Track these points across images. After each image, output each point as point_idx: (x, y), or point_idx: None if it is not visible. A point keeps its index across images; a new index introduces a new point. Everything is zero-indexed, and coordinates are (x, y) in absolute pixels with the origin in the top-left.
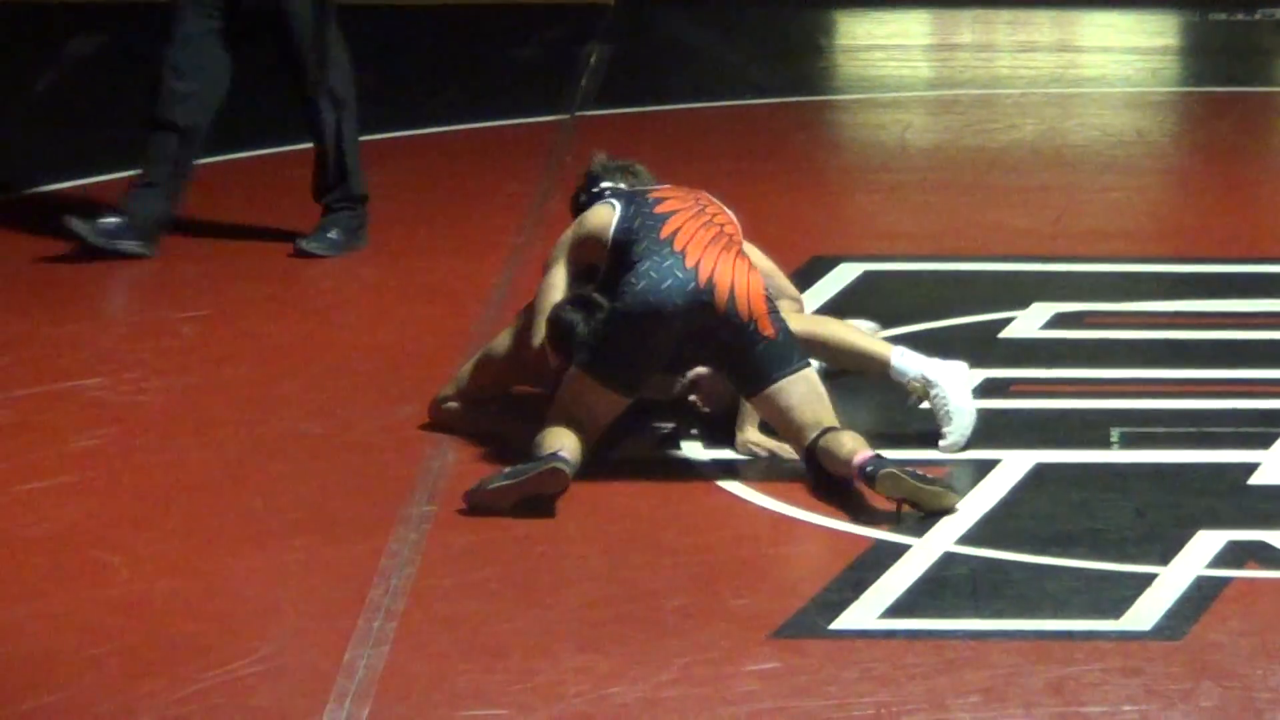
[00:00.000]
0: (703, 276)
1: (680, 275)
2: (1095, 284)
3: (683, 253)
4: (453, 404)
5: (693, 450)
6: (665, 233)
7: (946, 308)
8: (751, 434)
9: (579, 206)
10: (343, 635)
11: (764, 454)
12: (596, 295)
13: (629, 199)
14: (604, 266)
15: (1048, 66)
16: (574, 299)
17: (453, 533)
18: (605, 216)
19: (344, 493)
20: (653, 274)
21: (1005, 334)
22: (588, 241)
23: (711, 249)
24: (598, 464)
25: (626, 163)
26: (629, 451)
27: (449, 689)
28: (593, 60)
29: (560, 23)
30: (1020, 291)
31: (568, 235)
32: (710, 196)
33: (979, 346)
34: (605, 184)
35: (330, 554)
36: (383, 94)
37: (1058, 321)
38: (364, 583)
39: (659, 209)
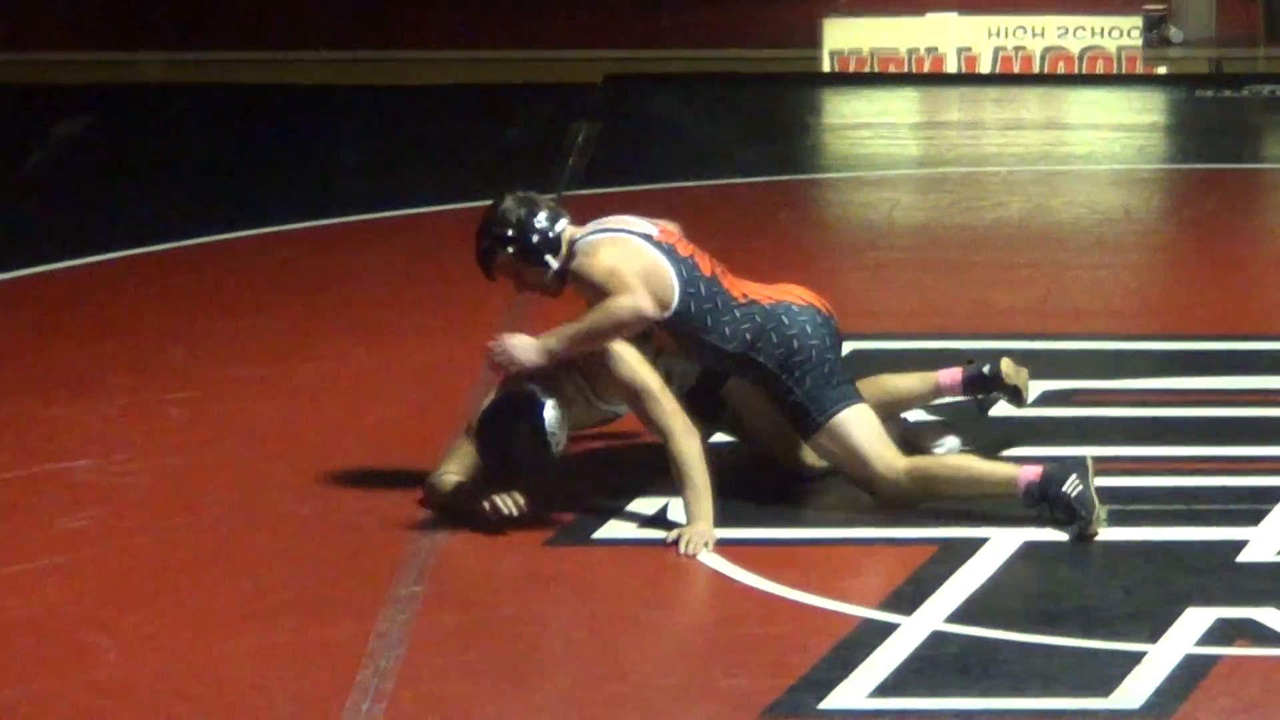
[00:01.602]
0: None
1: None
2: (1083, 362)
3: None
4: (451, 477)
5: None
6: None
7: None
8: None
9: (530, 247)
10: (331, 717)
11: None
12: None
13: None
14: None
15: (1035, 144)
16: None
17: (441, 613)
18: (659, 269)
19: (333, 573)
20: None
21: (993, 412)
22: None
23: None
24: (584, 543)
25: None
26: (614, 531)
27: None
28: (580, 139)
29: (547, 102)
30: None
31: (607, 248)
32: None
33: (967, 425)
34: (559, 222)
35: (319, 635)
36: (372, 173)
37: (1045, 399)
38: (352, 664)
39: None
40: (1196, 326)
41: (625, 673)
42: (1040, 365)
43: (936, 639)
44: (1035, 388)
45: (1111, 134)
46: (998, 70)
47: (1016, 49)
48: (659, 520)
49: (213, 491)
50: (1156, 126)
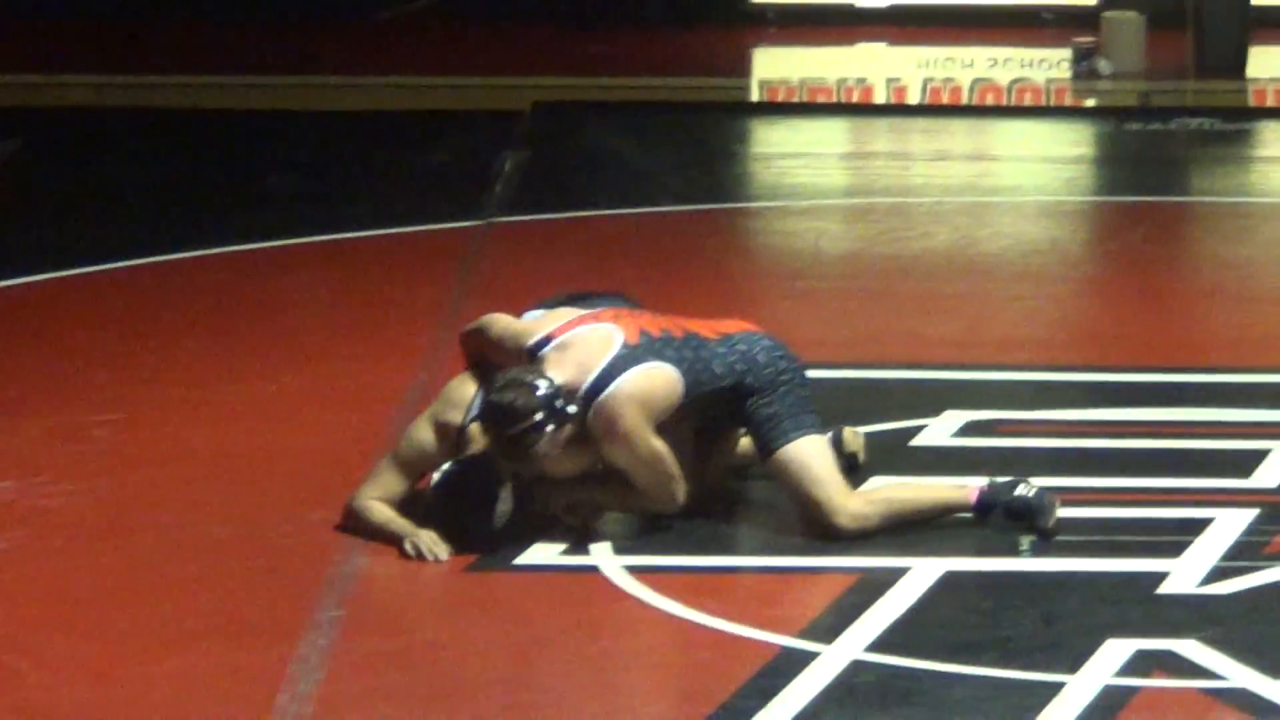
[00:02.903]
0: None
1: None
2: (1007, 392)
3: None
4: (374, 503)
5: (600, 556)
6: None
7: (859, 416)
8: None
9: (558, 415)
10: None
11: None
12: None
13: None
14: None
15: (963, 175)
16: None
17: (362, 638)
18: (668, 381)
19: (254, 597)
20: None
21: (916, 441)
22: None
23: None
24: (506, 569)
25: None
26: (537, 557)
27: None
28: (507, 167)
29: (475, 129)
30: (932, 399)
31: (638, 417)
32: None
33: (890, 454)
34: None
35: (239, 659)
36: (299, 200)
37: (969, 429)
38: (272, 688)
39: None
40: (1122, 358)
41: (547, 699)
42: (964, 395)
43: (856, 668)
44: (959, 417)
45: (1040, 166)
46: (926, 101)
47: (945, 80)
48: (581, 547)
49: (136, 515)
50: (1085, 158)
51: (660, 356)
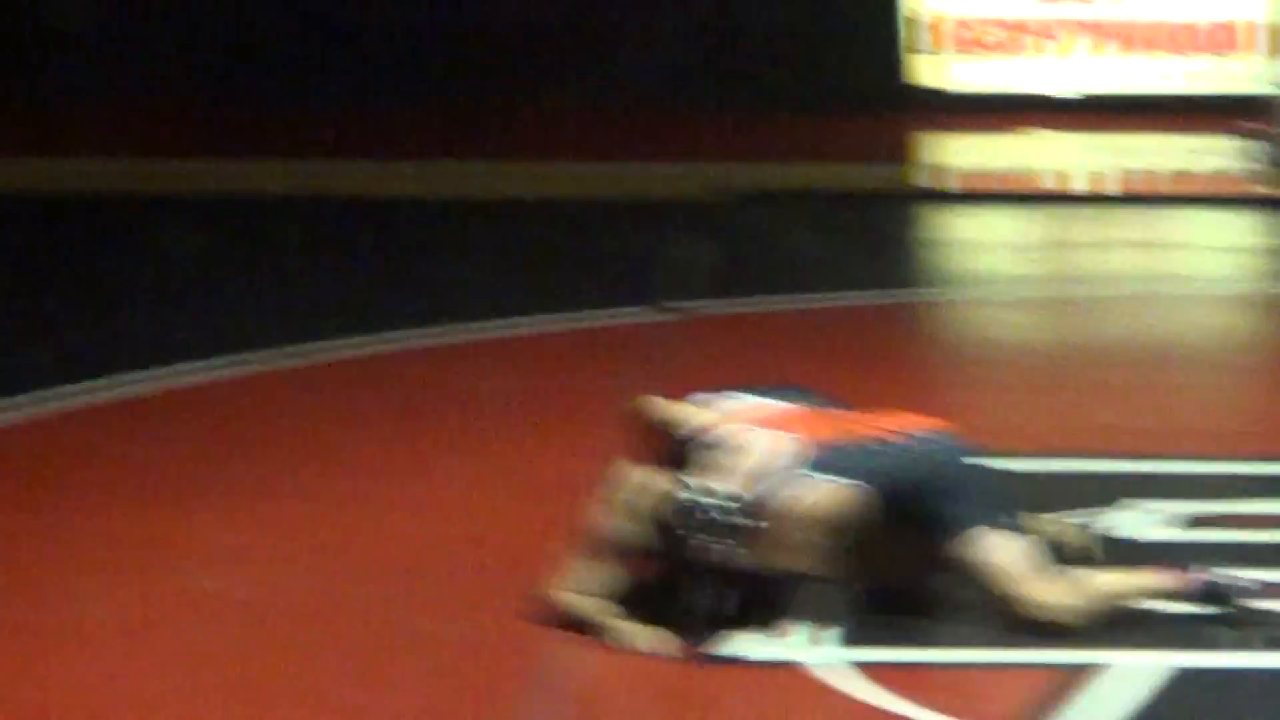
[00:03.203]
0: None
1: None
2: (1195, 483)
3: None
4: (573, 594)
5: (805, 649)
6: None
7: (1044, 505)
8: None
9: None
10: None
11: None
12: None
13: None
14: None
15: (1154, 264)
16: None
17: None
18: (839, 498)
19: (453, 691)
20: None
21: (1104, 531)
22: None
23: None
24: (709, 660)
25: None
26: (740, 648)
27: None
28: (689, 255)
29: (664, 219)
30: (1119, 488)
31: (803, 527)
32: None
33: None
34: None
35: None
36: (485, 288)
37: (1158, 519)
38: None
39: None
40: None
41: None
42: (1153, 485)
43: None
44: (1146, 508)
45: (1226, 255)
46: (1118, 190)
47: (1137, 168)
48: (793, 639)
49: (340, 608)
50: (1274, 249)
51: (833, 470)
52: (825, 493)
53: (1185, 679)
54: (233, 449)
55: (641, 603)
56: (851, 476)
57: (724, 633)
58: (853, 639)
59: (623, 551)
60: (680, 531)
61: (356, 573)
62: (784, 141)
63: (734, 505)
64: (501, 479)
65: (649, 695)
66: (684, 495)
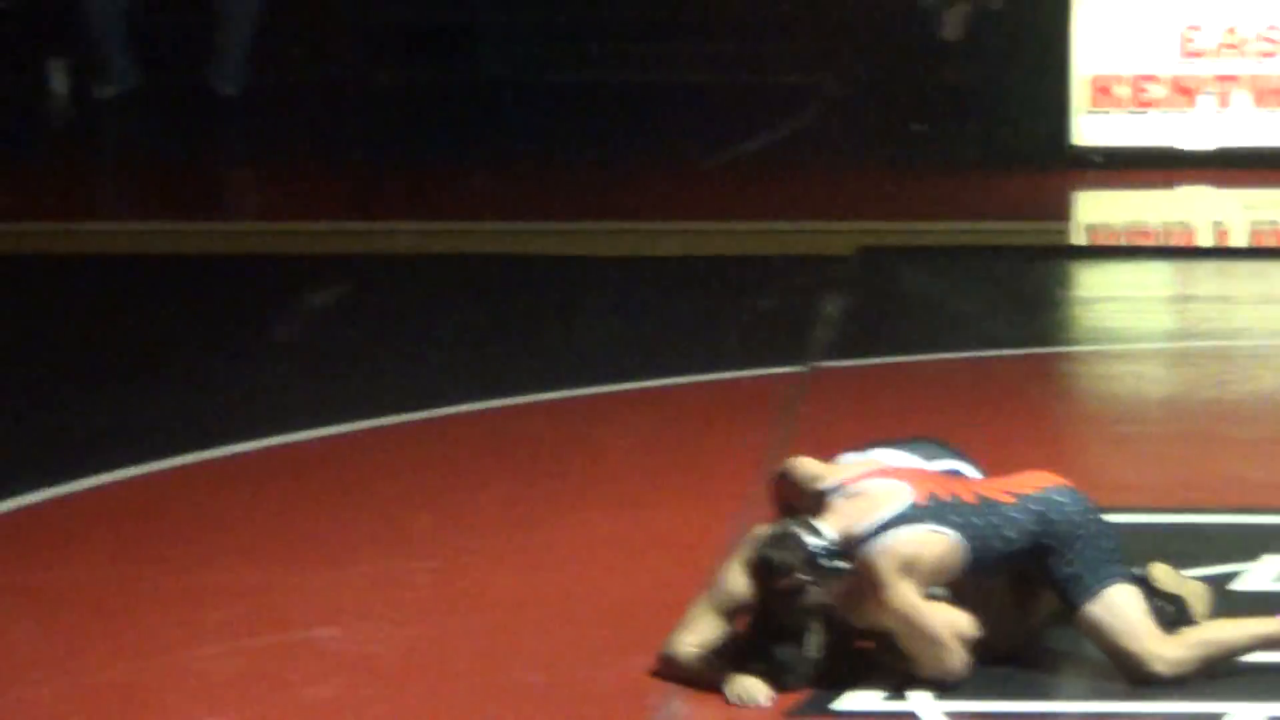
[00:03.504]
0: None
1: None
2: None
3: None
4: (691, 650)
5: (920, 700)
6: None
7: (1176, 560)
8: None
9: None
10: None
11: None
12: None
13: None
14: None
15: None
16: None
17: None
18: (942, 546)
19: None
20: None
21: (1235, 586)
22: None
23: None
24: (824, 714)
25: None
26: (855, 703)
27: None
28: (829, 311)
29: (797, 273)
30: (1254, 543)
31: (894, 573)
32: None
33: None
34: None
35: None
36: (621, 345)
37: None
38: None
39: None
40: None
41: None
42: None
43: None
44: None
45: None
46: (1251, 244)
47: (1271, 222)
48: (899, 692)
49: (455, 661)
50: None
51: (943, 521)
52: (921, 536)
53: None
54: (352, 503)
55: (751, 657)
56: (951, 527)
57: (840, 684)
58: (964, 692)
59: (741, 607)
60: (778, 562)
61: (468, 626)
62: (933, 197)
63: (835, 546)
64: (627, 531)
65: None
66: (789, 528)
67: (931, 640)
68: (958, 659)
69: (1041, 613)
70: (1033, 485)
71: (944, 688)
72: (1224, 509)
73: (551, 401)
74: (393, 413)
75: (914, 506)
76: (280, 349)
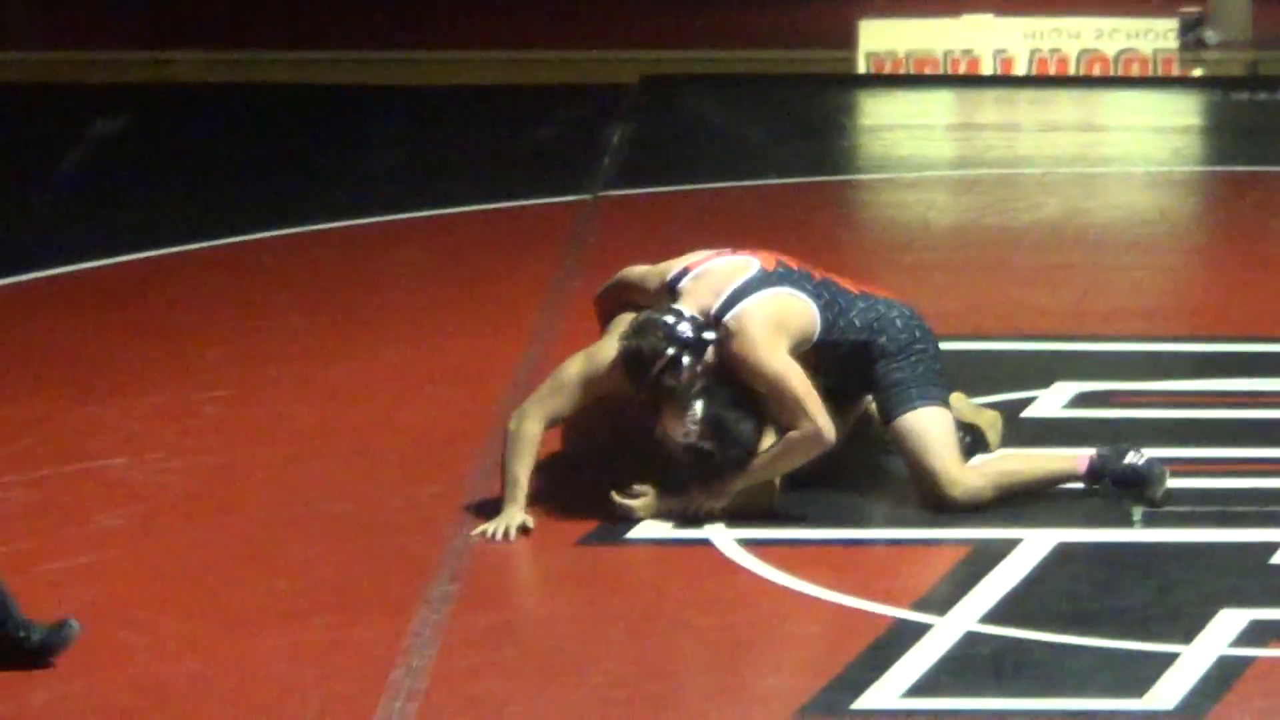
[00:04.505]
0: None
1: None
2: (1118, 363)
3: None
4: (527, 444)
5: (714, 530)
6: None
7: (968, 388)
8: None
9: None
10: (364, 716)
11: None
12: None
13: (785, 279)
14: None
15: (1071, 146)
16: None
17: (475, 613)
18: (802, 310)
19: (367, 573)
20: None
21: (1027, 413)
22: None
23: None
24: (617, 542)
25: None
26: (649, 531)
27: None
28: (615, 140)
29: (582, 103)
30: (1043, 371)
31: (766, 331)
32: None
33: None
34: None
35: (353, 634)
36: (407, 174)
37: (1080, 400)
38: (386, 663)
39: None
40: (1233, 328)
41: (659, 673)
42: (1075, 366)
43: (970, 640)
44: (1070, 389)
45: (1147, 136)
46: (1033, 72)
47: (1052, 51)
48: (692, 520)
49: (248, 491)
50: (1192, 129)
51: (797, 286)
52: (781, 299)
53: (1066, 554)
54: (139, 333)
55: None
56: (804, 293)
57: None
58: (755, 522)
59: (593, 392)
60: (647, 350)
61: (260, 457)
62: (718, 27)
63: (701, 320)
64: (420, 362)
65: (555, 578)
66: (648, 316)
67: (805, 396)
68: (829, 424)
69: (846, 429)
70: (877, 291)
71: (818, 453)
72: (1014, 336)
73: (339, 230)
74: (179, 243)
75: (763, 272)
76: (65, 179)
